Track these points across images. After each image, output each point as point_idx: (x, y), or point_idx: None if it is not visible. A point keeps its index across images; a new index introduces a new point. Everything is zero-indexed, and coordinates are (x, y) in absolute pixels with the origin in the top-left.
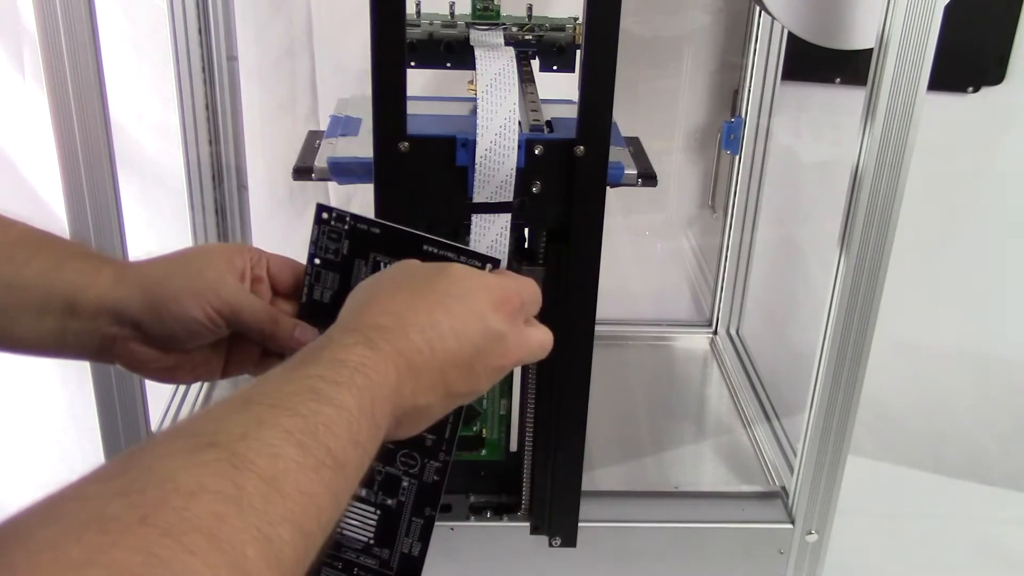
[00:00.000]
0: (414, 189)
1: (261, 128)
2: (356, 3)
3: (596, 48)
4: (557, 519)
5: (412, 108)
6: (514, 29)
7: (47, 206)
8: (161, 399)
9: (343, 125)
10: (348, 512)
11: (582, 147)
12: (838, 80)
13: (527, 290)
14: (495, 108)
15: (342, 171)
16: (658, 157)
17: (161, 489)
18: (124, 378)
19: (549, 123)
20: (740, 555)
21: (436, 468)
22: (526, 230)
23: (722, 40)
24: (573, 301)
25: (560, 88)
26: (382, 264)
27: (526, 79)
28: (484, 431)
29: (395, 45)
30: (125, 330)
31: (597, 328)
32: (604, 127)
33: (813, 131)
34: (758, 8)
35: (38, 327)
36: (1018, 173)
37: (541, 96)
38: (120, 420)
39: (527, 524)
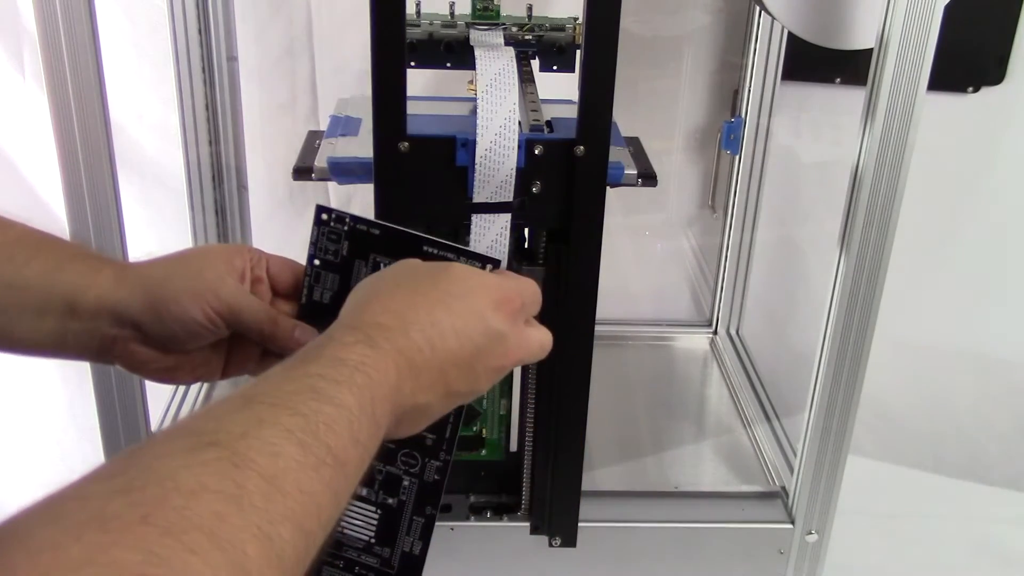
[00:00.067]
0: (414, 189)
1: (261, 128)
2: (356, 3)
3: (596, 48)
4: (557, 519)
5: (412, 108)
6: (514, 29)
7: (47, 206)
8: (161, 399)
9: (343, 125)
10: (349, 511)
11: (582, 147)
12: (838, 80)
13: (528, 290)
14: (495, 108)
15: (342, 171)
16: (658, 157)
17: (161, 488)
18: (124, 378)
19: (549, 123)
20: (740, 555)
21: (437, 467)
22: (526, 230)
23: (722, 40)
24: (573, 301)
25: (560, 88)
26: (382, 265)
27: (526, 79)
28: (484, 431)
29: (395, 45)
30: (125, 331)
31: (597, 328)
32: (604, 127)
33: (813, 131)
34: (758, 8)
35: (38, 328)
36: (1018, 173)
37: (541, 96)
38: (120, 420)
39: (527, 524)
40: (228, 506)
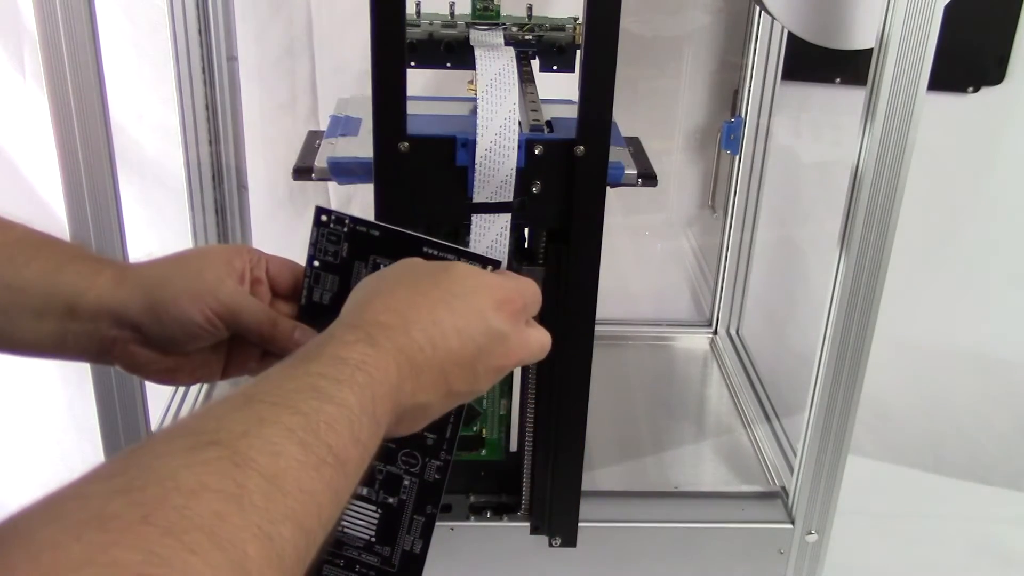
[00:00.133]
0: (414, 189)
1: (261, 128)
2: (356, 3)
3: (596, 48)
4: (557, 519)
5: (412, 108)
6: (514, 29)
7: (47, 206)
8: (161, 399)
9: (343, 125)
10: (350, 510)
11: (582, 147)
12: (838, 80)
13: (528, 291)
14: (495, 108)
15: (342, 171)
16: (658, 157)
17: (162, 487)
18: (124, 378)
19: (549, 123)
20: (740, 555)
21: (437, 467)
22: (526, 230)
23: (722, 40)
24: (573, 301)
25: (560, 88)
26: (381, 266)
27: (526, 79)
28: (484, 431)
29: (395, 45)
30: (125, 332)
31: (597, 328)
32: (604, 127)
33: (813, 131)
34: (758, 8)
35: (38, 329)
36: (1018, 173)
37: (541, 96)
38: (120, 420)
39: (527, 524)
40: (229, 505)
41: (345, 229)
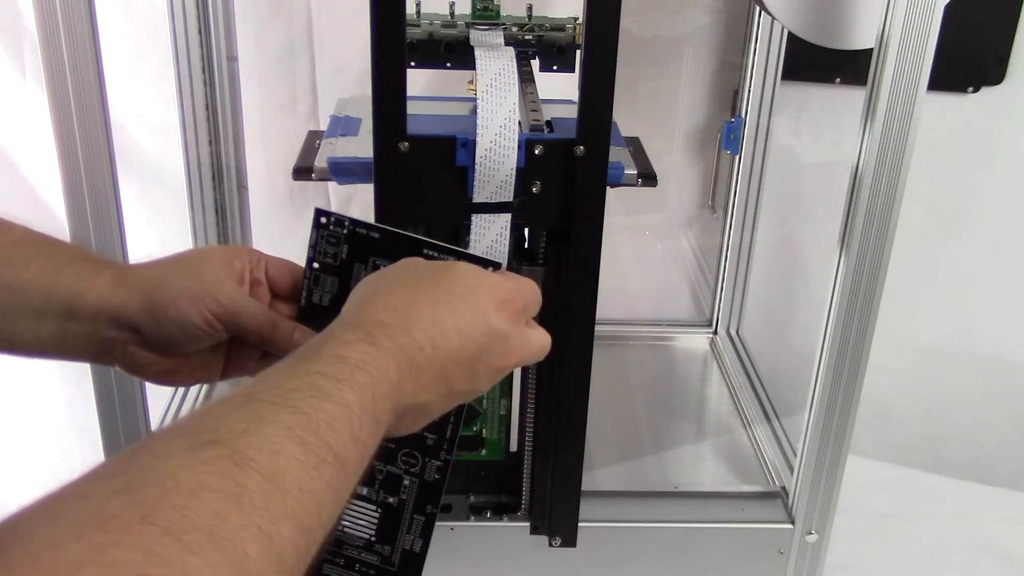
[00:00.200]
0: (414, 189)
1: (261, 128)
2: (356, 3)
3: (596, 48)
4: (557, 519)
5: (412, 108)
6: (514, 29)
7: (47, 206)
8: (161, 399)
9: (343, 125)
10: (350, 509)
11: (582, 147)
12: (838, 80)
13: (528, 291)
14: (495, 108)
15: (342, 171)
16: (658, 157)
17: (162, 487)
18: (124, 378)
19: (549, 123)
20: (740, 555)
21: (437, 467)
22: (526, 230)
23: (722, 40)
24: (573, 301)
25: (560, 88)
26: (381, 268)
27: (526, 79)
28: (484, 431)
29: (395, 45)
30: (124, 334)
31: (597, 328)
32: (604, 127)
33: (813, 131)
34: (758, 8)
35: (37, 330)
36: (1018, 173)
37: (541, 96)
38: (120, 420)
39: (527, 524)
40: (228, 505)
41: (345, 231)
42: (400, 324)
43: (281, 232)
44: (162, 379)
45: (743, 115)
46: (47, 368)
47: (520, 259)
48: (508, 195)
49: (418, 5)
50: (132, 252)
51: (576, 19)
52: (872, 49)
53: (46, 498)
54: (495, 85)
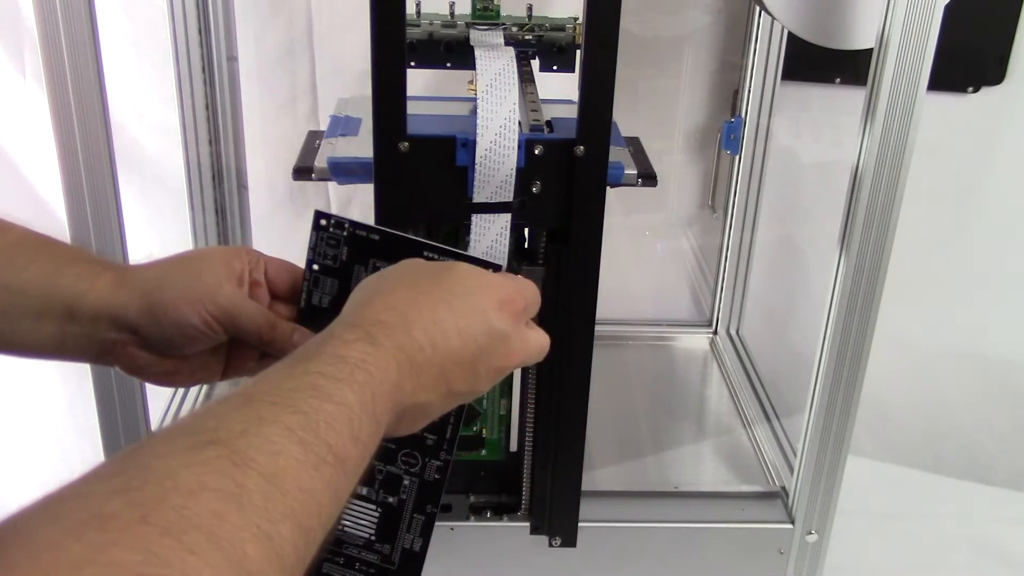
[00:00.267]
0: (414, 189)
1: (261, 128)
2: (356, 3)
3: (596, 48)
4: (557, 519)
5: (412, 108)
6: (514, 29)
7: (47, 206)
8: (161, 399)
9: (343, 125)
10: (349, 509)
11: (582, 147)
12: (838, 80)
13: (528, 292)
14: (495, 108)
15: (342, 171)
16: (658, 157)
17: (161, 487)
18: (124, 378)
19: (549, 123)
20: (740, 555)
21: (437, 467)
22: (526, 230)
23: (722, 40)
24: (573, 301)
25: (560, 88)
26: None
27: (526, 79)
28: (484, 431)
29: (395, 45)
30: (124, 335)
31: (597, 328)
32: (604, 127)
33: (813, 131)
34: (758, 8)
35: (37, 331)
36: (1018, 173)
37: (541, 96)
38: (120, 420)
39: (527, 524)
40: (228, 505)
41: (344, 233)
42: (400, 324)
43: (281, 232)
44: (162, 380)
45: (743, 115)
46: (47, 368)
47: (520, 259)
48: (508, 195)
49: (418, 5)
50: (132, 252)
51: (576, 19)
52: (872, 49)
53: (46, 498)
54: (495, 85)
